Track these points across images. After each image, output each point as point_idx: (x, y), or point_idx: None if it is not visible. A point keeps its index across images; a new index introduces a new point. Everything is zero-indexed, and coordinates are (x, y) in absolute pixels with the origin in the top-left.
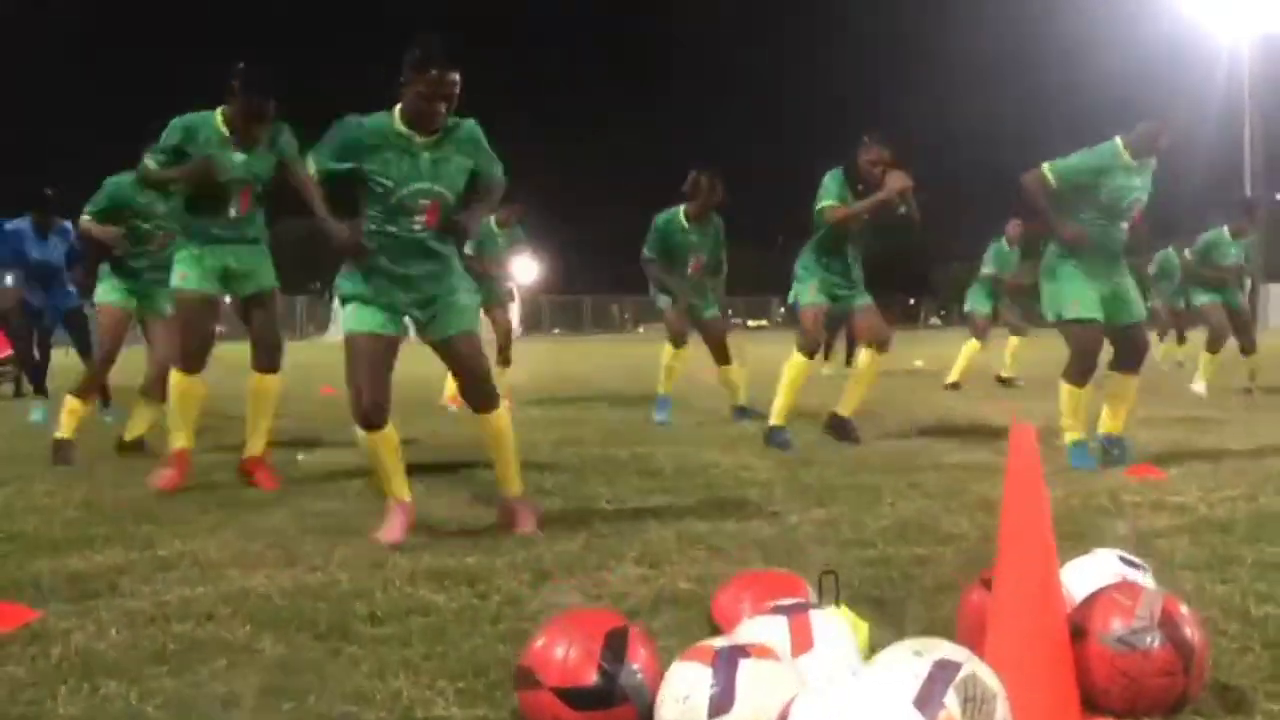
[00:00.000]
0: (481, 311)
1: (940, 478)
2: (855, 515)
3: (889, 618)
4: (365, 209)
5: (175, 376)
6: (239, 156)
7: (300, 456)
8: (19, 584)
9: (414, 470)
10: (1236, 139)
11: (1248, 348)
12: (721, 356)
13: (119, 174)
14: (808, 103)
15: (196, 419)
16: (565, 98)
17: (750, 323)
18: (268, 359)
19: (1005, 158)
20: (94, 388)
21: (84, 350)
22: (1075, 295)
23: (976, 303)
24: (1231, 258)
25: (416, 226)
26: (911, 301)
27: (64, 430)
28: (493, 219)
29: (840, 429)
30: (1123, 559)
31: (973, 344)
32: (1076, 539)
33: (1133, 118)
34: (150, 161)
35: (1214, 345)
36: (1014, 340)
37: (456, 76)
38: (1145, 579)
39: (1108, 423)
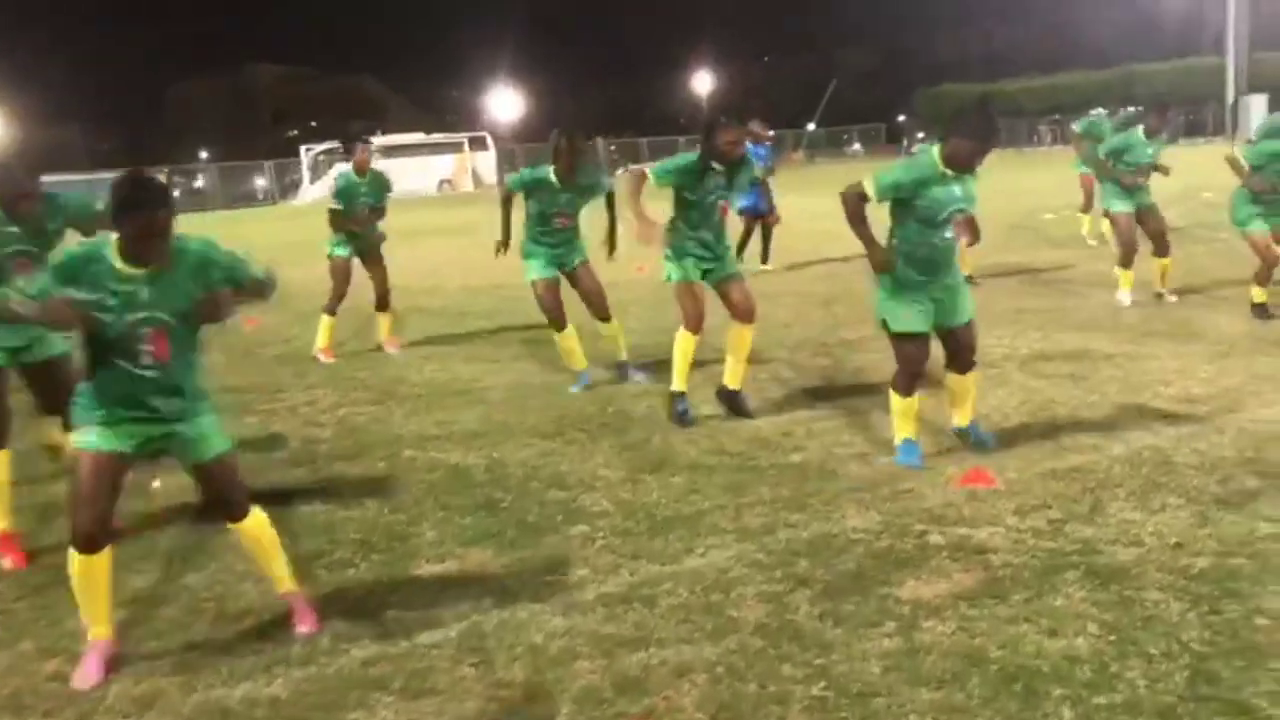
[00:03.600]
0: (358, 261)
1: (767, 504)
2: (652, 586)
3: None
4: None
5: None
6: (12, 229)
7: (155, 484)
8: None
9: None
10: None
11: (1161, 250)
12: (600, 311)
13: None
14: None
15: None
16: None
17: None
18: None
19: None
20: None
21: None
22: (903, 309)
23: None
24: (1146, 158)
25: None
26: (902, 118)
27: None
28: (350, 168)
29: (730, 402)
30: None
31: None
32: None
33: None
34: None
35: (1126, 260)
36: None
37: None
38: None
39: (955, 418)
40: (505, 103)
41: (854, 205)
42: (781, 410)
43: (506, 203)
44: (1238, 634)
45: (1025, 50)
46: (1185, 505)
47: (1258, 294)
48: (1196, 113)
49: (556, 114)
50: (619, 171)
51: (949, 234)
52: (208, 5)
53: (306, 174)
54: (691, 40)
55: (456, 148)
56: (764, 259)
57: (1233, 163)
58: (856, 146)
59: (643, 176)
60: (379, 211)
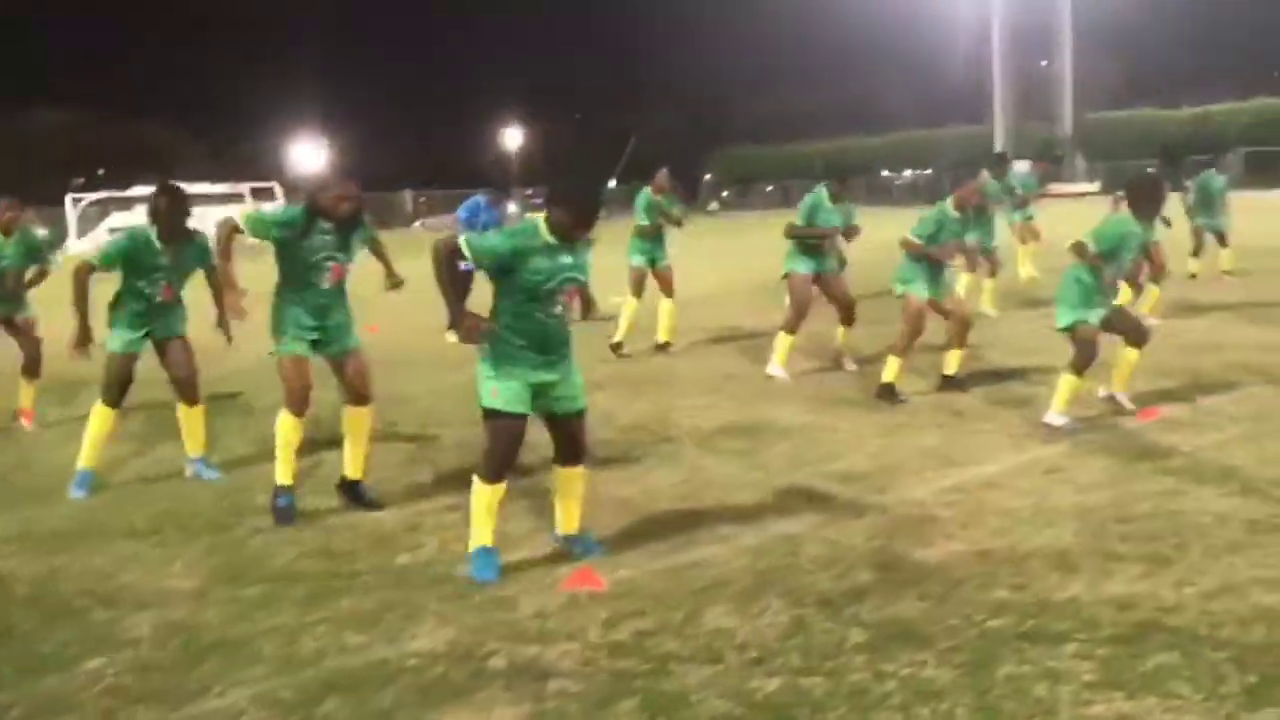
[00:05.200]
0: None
1: (337, 622)
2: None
3: None
4: None
5: None
6: None
7: None
8: None
9: None
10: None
11: (846, 319)
12: (189, 396)
13: None
14: None
15: None
16: None
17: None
18: None
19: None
20: None
21: None
22: (500, 384)
23: None
24: (832, 222)
25: None
26: (708, 177)
27: None
28: None
29: (351, 494)
30: None
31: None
32: None
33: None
34: None
35: (791, 325)
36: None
37: None
38: None
39: (563, 523)
40: (307, 153)
41: (442, 258)
42: (421, 497)
43: (80, 277)
44: None
45: (821, 115)
46: (788, 608)
47: (892, 369)
48: (974, 174)
49: (364, 164)
50: (417, 224)
51: (558, 309)
52: None
53: (73, 226)
54: (505, 95)
55: (239, 198)
56: None
57: (905, 244)
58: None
59: (234, 227)
60: (39, 274)
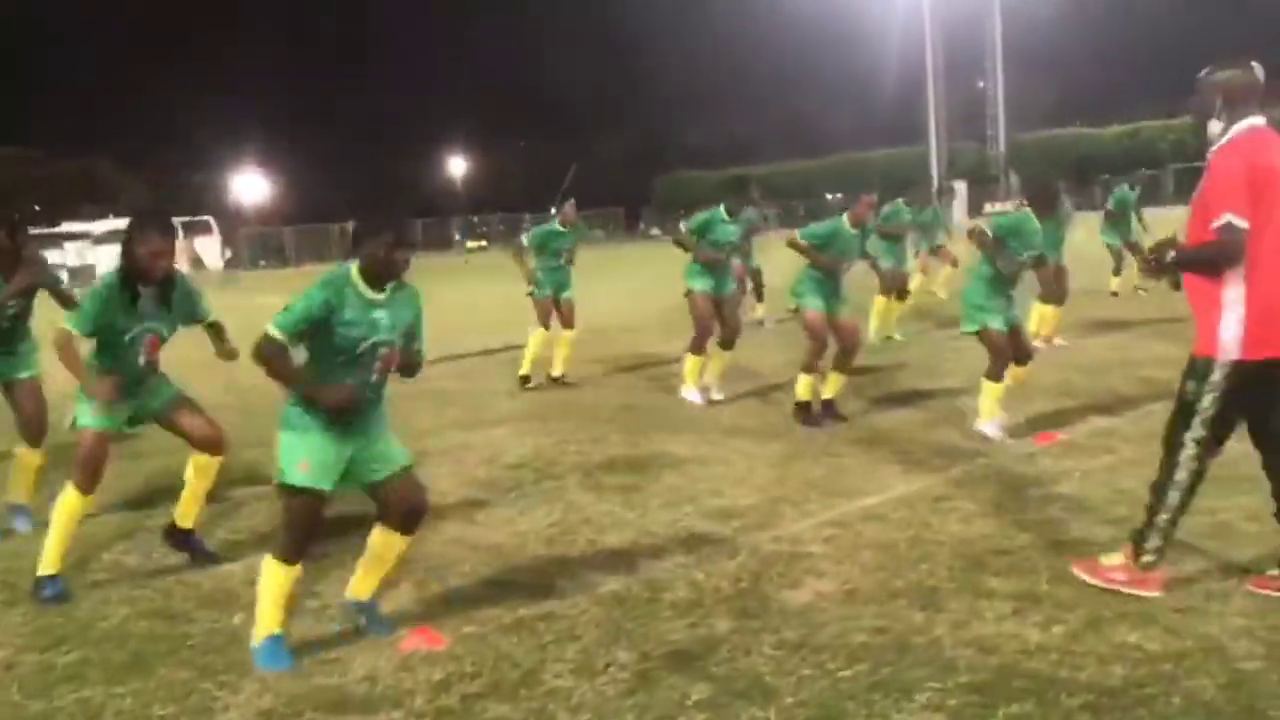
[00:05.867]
0: None
1: (137, 695)
2: None
3: None
4: None
5: None
6: None
7: None
8: None
9: None
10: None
11: (725, 343)
12: (35, 437)
13: None
14: None
15: None
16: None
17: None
18: None
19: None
20: None
21: None
22: (306, 457)
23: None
24: (728, 236)
25: None
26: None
27: None
28: None
29: (183, 544)
30: None
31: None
32: None
33: None
34: None
35: (697, 345)
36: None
37: None
38: None
39: (357, 587)
40: (251, 185)
41: (265, 356)
42: (251, 551)
43: None
44: None
45: (761, 139)
46: (635, 662)
47: (804, 387)
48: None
49: (309, 195)
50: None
51: (374, 376)
52: None
53: None
54: (449, 124)
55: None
56: None
57: (791, 242)
58: (598, 233)
59: (68, 336)
60: None
